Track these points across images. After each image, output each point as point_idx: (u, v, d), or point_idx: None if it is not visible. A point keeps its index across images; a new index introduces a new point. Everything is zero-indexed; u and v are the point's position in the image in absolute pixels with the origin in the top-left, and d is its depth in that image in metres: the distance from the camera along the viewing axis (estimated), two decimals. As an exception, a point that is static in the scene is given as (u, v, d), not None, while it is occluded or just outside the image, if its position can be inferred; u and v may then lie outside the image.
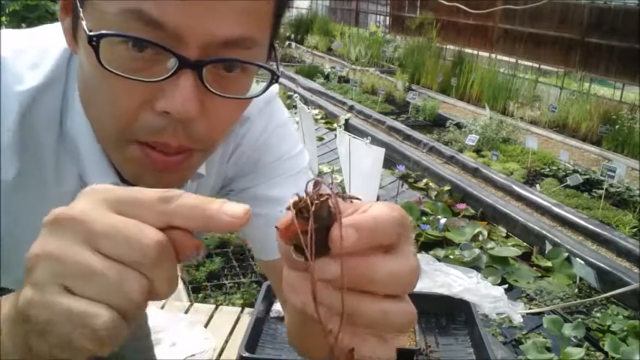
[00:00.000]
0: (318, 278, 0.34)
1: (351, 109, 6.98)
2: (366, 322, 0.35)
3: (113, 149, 0.57)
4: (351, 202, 0.37)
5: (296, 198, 0.35)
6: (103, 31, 0.48)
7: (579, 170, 5.03)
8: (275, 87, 0.78)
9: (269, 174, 0.77)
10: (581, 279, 3.13)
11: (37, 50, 0.60)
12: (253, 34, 0.53)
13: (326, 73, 9.07)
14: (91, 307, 0.34)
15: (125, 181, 0.62)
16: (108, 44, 0.49)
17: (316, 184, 0.36)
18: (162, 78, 0.49)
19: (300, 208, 0.35)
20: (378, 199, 3.88)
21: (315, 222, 0.34)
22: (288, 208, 0.35)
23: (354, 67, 9.62)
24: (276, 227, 0.35)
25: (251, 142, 0.76)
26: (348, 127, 6.06)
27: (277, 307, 1.40)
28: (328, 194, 0.35)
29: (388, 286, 0.35)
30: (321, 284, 0.34)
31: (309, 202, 0.34)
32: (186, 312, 2.47)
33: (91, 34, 0.48)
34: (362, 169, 3.59)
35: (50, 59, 0.59)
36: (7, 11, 6.61)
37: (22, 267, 0.61)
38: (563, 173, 5.01)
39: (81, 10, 0.51)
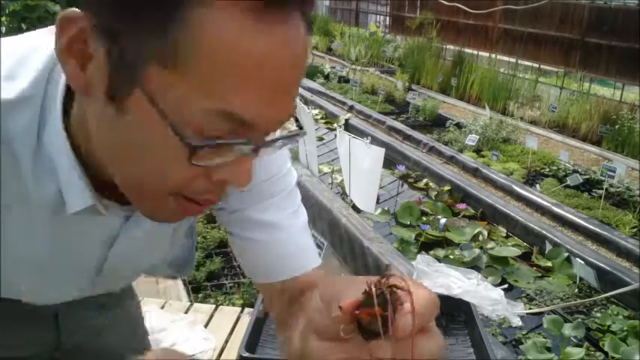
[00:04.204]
0: (377, 357, 0.42)
1: (351, 109, 6.98)
2: None
3: (145, 198, 0.56)
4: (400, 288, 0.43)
5: (370, 285, 0.42)
6: (206, 142, 0.49)
7: (579, 170, 5.03)
8: None
9: (260, 195, 0.76)
10: (581, 279, 3.13)
11: (13, 61, 0.57)
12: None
13: (326, 73, 9.07)
14: None
15: (105, 197, 0.62)
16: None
17: (384, 275, 0.42)
18: (231, 160, 0.51)
19: (371, 295, 0.41)
20: (378, 200, 3.88)
21: (385, 309, 0.41)
22: (367, 294, 0.41)
23: (354, 67, 9.62)
24: (340, 307, 0.42)
25: None
26: (348, 127, 6.07)
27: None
28: (394, 285, 0.42)
29: None
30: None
31: (387, 296, 0.41)
32: (186, 312, 2.47)
33: (196, 144, 0.48)
34: (362, 169, 3.59)
35: (28, 72, 0.56)
36: (7, 11, 6.60)
37: None
38: (563, 173, 5.01)
39: (158, 102, 0.47)
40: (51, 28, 0.56)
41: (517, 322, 2.64)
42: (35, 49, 0.58)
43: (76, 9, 0.49)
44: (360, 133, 4.89)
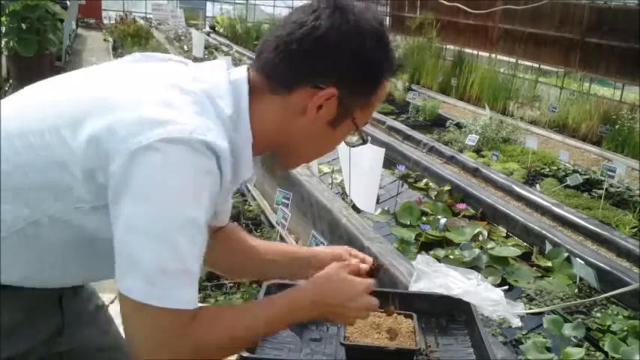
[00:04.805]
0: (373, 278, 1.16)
1: (351, 109, 6.98)
2: None
3: (307, 160, 1.08)
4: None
5: (375, 263, 1.24)
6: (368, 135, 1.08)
7: (579, 170, 5.03)
8: None
9: None
10: (581, 279, 3.13)
11: (209, 85, 0.89)
12: None
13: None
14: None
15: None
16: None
17: (374, 261, 1.25)
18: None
19: (378, 266, 1.24)
20: (378, 200, 3.88)
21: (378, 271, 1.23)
22: (375, 265, 1.24)
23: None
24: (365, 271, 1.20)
25: None
26: (348, 127, 6.06)
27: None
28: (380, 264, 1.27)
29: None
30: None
31: (378, 266, 1.24)
32: (187, 312, 2.47)
33: (362, 131, 1.01)
34: (362, 169, 3.59)
35: (226, 94, 0.89)
36: (7, 11, 6.60)
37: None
38: (563, 173, 5.01)
39: (357, 122, 0.98)
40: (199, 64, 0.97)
41: (517, 323, 2.63)
42: (215, 77, 0.91)
43: (322, 85, 0.92)
44: (360, 133, 4.88)
